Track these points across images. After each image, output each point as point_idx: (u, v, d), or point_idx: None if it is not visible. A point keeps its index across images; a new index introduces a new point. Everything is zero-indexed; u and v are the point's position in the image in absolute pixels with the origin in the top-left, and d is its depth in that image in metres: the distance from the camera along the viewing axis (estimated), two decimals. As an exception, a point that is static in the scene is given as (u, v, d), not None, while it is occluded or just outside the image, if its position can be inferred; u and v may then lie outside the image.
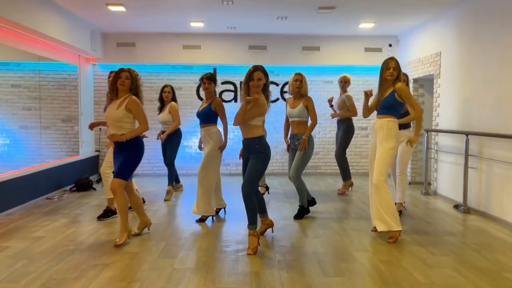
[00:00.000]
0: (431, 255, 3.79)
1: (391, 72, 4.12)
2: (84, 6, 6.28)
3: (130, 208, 4.47)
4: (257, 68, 3.84)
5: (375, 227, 4.38)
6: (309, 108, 4.96)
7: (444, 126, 6.35)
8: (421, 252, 3.86)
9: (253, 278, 3.24)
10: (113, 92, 4.05)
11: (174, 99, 6.27)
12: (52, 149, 7.54)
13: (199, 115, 4.98)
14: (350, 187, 6.71)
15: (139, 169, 8.45)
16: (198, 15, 6.80)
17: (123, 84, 3.98)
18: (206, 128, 4.89)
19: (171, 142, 6.24)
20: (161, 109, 6.32)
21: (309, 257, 3.72)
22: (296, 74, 5.03)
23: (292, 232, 4.50)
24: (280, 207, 5.65)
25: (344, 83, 6.46)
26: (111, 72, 4.91)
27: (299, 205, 5.12)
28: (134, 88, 4.04)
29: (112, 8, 6.17)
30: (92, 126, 5.12)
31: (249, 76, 3.82)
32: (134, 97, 4.00)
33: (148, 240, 4.20)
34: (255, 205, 3.87)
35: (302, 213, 5.08)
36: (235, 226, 4.70)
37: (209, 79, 4.89)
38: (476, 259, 3.68)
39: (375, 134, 4.30)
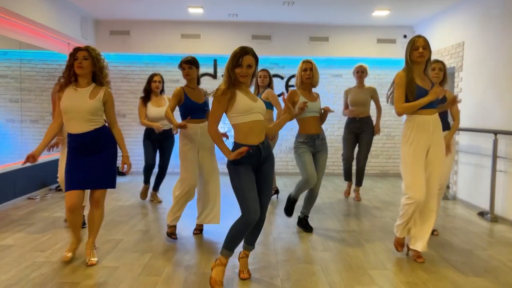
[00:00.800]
0: (462, 275, 3.20)
1: (420, 51, 3.32)
2: (71, -12, 5.72)
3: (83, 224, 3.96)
4: (246, 51, 2.87)
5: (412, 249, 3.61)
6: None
7: (467, 124, 5.74)
8: (450, 271, 3.27)
9: (251, 305, 2.67)
10: (70, 78, 3.21)
11: (163, 91, 5.55)
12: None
13: (197, 107, 4.02)
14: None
15: (133, 167, 7.92)
16: (197, 0, 6.21)
17: (81, 66, 3.15)
18: (205, 124, 3.97)
19: (172, 142, 5.61)
20: (145, 101, 5.42)
21: (318, 276, 3.14)
22: (304, 62, 4.11)
23: (297, 244, 3.92)
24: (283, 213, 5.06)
25: (362, 73, 5.67)
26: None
27: (307, 216, 4.44)
28: (99, 71, 3.25)
29: (101, -11, 5.60)
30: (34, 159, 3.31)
31: (237, 61, 2.84)
32: (108, 89, 3.30)
33: (132, 251, 3.63)
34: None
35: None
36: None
37: (190, 63, 3.99)
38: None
39: (428, 135, 3.38)
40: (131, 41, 7.58)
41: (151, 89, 5.40)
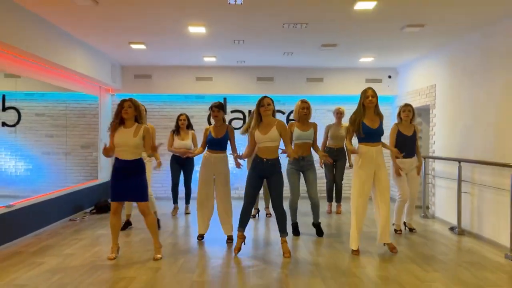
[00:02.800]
0: (423, 271, 4.20)
1: (370, 99, 4.72)
2: (108, 44, 6.91)
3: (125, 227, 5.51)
4: (266, 96, 4.69)
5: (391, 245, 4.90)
6: (315, 132, 5.55)
7: (440, 153, 6.81)
8: (415, 269, 4.27)
9: (264, 290, 3.67)
10: (117, 120, 4.47)
11: (190, 126, 6.95)
12: (72, 174, 8.04)
13: (215, 141, 5.26)
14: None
15: (153, 193, 8.97)
16: (211, 52, 7.41)
17: (127, 112, 4.40)
18: (222, 155, 5.28)
19: (192, 166, 7.24)
20: (174, 133, 6.96)
21: (312, 272, 4.15)
22: (303, 101, 5.50)
23: (297, 251, 4.92)
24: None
25: (340, 114, 7.15)
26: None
27: (318, 222, 5.72)
28: (138, 115, 4.50)
29: (134, 46, 6.79)
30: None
31: (260, 103, 4.61)
32: (146, 126, 4.50)
33: (167, 257, 4.63)
34: (285, 215, 4.70)
35: (321, 228, 5.73)
36: (249, 248, 5.12)
37: (218, 107, 5.32)
38: (465, 276, 4.09)
39: (372, 162, 4.73)
40: (152, 83, 8.76)
41: (179, 126, 6.83)
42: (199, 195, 5.33)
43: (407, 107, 5.67)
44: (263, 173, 4.65)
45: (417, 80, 7.82)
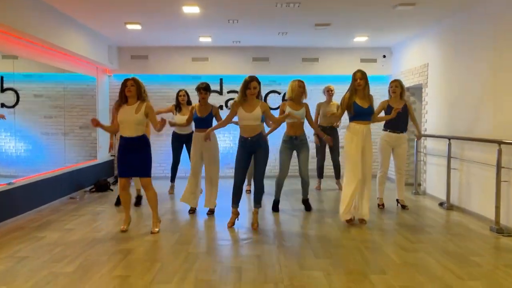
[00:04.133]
0: (409, 242, 4.38)
1: (358, 82, 5.00)
2: (104, 25, 6.97)
3: (138, 203, 5.73)
4: (252, 79, 4.78)
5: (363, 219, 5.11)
6: (307, 111, 5.66)
7: (431, 131, 6.95)
8: (401, 240, 4.46)
9: (255, 259, 3.85)
10: (122, 99, 4.65)
11: (189, 102, 6.99)
12: (71, 154, 8.17)
13: (201, 120, 5.53)
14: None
15: (152, 172, 9.13)
16: (206, 31, 7.47)
17: (130, 90, 4.58)
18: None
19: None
20: (176, 108, 7.00)
21: (303, 244, 4.33)
22: (300, 81, 5.58)
23: (288, 225, 5.11)
24: (288, 224, 6.26)
25: (331, 91, 7.33)
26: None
27: (307, 198, 5.91)
28: (141, 93, 4.65)
29: (130, 26, 6.86)
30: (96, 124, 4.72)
31: (247, 86, 4.73)
32: (148, 103, 4.66)
33: (164, 231, 4.81)
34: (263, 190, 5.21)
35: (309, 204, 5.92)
36: (238, 223, 5.30)
37: (206, 89, 5.55)
38: (447, 246, 4.28)
39: (361, 138, 4.97)
40: (149, 64, 8.84)
41: (179, 102, 6.95)
42: (191, 170, 5.65)
43: (394, 82, 5.86)
44: (250, 149, 4.85)
45: (411, 59, 7.91)
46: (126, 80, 4.66)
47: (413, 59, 7.77)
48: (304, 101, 5.72)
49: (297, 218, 5.44)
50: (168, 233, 4.75)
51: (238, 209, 5.05)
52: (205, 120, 5.54)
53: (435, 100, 6.90)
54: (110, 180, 8.17)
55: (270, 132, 5.39)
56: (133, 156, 4.63)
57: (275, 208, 5.86)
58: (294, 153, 5.75)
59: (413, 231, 4.81)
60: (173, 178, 7.49)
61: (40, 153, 7.37)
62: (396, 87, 5.82)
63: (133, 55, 8.80)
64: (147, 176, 4.73)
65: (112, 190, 7.56)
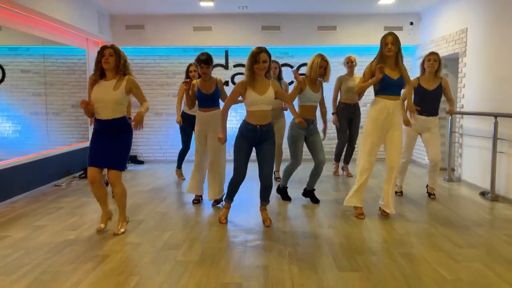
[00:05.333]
0: (457, 247, 3.46)
1: (389, 47, 4.04)
2: (88, -14, 6.04)
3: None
4: (261, 50, 3.74)
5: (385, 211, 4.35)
6: (322, 93, 4.78)
7: (470, 108, 5.94)
8: (446, 244, 3.54)
9: (261, 273, 2.98)
10: (97, 73, 3.71)
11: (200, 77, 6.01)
12: (62, 135, 7.41)
13: (206, 98, 4.62)
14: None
15: (151, 156, 8.36)
16: (208, -6, 6.49)
17: (108, 61, 3.64)
18: (214, 112, 4.66)
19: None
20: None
21: (322, 249, 3.44)
22: (323, 60, 4.52)
23: (304, 222, 4.22)
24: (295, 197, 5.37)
25: (352, 63, 6.31)
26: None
27: (313, 189, 5.00)
28: (122, 66, 3.71)
29: (117, -13, 5.90)
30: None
31: (254, 59, 3.72)
32: (130, 76, 3.74)
33: (153, 230, 3.97)
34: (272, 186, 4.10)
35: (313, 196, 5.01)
36: (245, 214, 4.44)
37: (207, 62, 4.54)
38: (508, 252, 3.34)
39: (388, 117, 4.11)
40: (145, 35, 7.89)
41: (190, 78, 5.83)
42: (196, 156, 4.80)
43: (432, 56, 4.85)
44: (256, 140, 3.91)
45: (445, 25, 6.82)
46: (103, 48, 3.71)
47: (448, 25, 6.68)
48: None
49: (310, 212, 4.55)
50: (156, 232, 3.90)
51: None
52: (211, 98, 4.65)
53: (475, 71, 5.86)
54: (77, 174, 7.04)
55: (294, 113, 4.32)
56: (108, 143, 3.72)
57: (286, 196, 5.07)
58: None
59: (457, 230, 3.88)
60: (180, 164, 6.49)
61: (30, 134, 6.62)
62: (435, 61, 4.81)
63: (127, 25, 7.85)
64: (117, 169, 3.75)
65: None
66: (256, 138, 3.87)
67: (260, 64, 3.70)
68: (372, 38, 7.79)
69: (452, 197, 5.24)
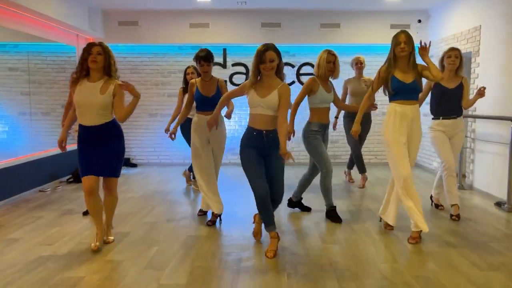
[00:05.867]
0: (476, 269, 3.08)
1: (402, 47, 3.57)
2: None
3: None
4: (268, 47, 3.23)
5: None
6: (334, 92, 4.32)
7: (483, 111, 5.55)
8: (463, 265, 3.15)
9: (256, 301, 2.60)
10: (82, 72, 3.35)
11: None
12: (51, 137, 7.05)
13: (206, 101, 4.11)
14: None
15: (144, 158, 7.98)
16: (204, -12, 6.11)
17: (95, 61, 3.28)
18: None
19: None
20: (184, 91, 5.53)
21: (325, 270, 3.06)
22: (330, 53, 4.13)
23: (305, 237, 3.84)
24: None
25: (361, 64, 5.78)
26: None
27: (332, 206, 4.35)
28: (108, 66, 3.34)
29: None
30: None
31: (260, 58, 3.22)
32: (118, 81, 3.37)
33: (139, 244, 3.60)
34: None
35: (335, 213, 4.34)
36: (240, 226, 4.05)
37: (207, 59, 4.06)
38: (535, 276, 2.96)
39: (407, 122, 3.65)
40: (139, 32, 7.50)
41: (187, 81, 5.43)
42: (197, 168, 4.20)
43: (453, 52, 4.31)
44: (265, 149, 3.32)
45: (456, 23, 6.43)
46: (90, 46, 3.33)
47: (460, 22, 6.29)
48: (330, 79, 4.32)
49: (311, 225, 4.16)
50: (142, 247, 3.52)
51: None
52: (212, 100, 4.05)
53: (490, 72, 5.47)
54: (65, 178, 6.54)
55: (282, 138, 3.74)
56: (98, 149, 3.36)
57: (303, 206, 4.67)
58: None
59: (474, 247, 3.50)
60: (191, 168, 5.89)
61: (19, 135, 6.28)
62: (456, 57, 4.28)
63: (120, 21, 7.46)
64: (114, 176, 3.49)
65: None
66: (264, 145, 3.30)
67: (267, 63, 3.20)
68: (377, 36, 7.42)
69: (465, 207, 4.84)
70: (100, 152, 3.35)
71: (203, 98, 4.13)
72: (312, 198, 5.01)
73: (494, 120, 5.26)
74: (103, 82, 3.34)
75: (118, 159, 3.47)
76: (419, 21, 7.39)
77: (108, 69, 3.36)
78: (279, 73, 3.32)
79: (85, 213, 4.48)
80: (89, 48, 3.31)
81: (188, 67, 5.60)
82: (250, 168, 3.31)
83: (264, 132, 3.29)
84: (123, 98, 3.39)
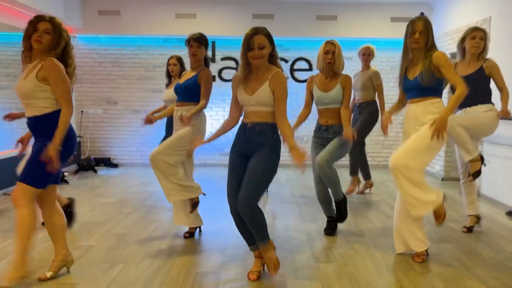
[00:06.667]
0: (495, 296, 2.60)
1: (416, 38, 3.06)
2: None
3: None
4: (257, 31, 2.67)
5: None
6: (347, 90, 3.64)
7: (493, 111, 5.09)
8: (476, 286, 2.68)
9: None
10: (27, 53, 2.69)
11: (183, 72, 5.05)
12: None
13: (178, 89, 3.65)
14: (370, 188, 5.48)
15: (126, 158, 7.47)
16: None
17: (40, 40, 2.60)
18: (186, 108, 3.54)
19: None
20: (168, 85, 5.07)
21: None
22: (327, 43, 3.63)
23: (296, 251, 3.34)
24: (283, 212, 4.49)
25: (368, 55, 5.19)
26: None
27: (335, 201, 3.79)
28: (55, 46, 2.66)
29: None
30: (10, 117, 3.37)
31: (248, 43, 2.64)
32: (51, 58, 2.66)
33: (101, 262, 3.08)
34: (262, 216, 2.73)
35: (344, 210, 3.78)
36: (222, 242, 3.56)
37: (198, 40, 3.57)
38: None
39: (410, 123, 3.18)
40: (121, 22, 6.99)
41: (169, 73, 4.99)
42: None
43: (478, 32, 3.66)
44: (246, 147, 2.77)
45: (462, 15, 5.98)
46: (38, 20, 2.64)
47: (466, 14, 5.84)
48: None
49: (302, 237, 3.67)
50: (105, 266, 3.02)
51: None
52: (184, 88, 3.58)
53: (500, 67, 4.99)
54: (70, 169, 6.36)
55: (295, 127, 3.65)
56: (33, 148, 2.75)
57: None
58: None
59: (489, 267, 3.03)
60: None
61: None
62: (482, 39, 3.64)
63: (100, 10, 6.95)
64: (21, 181, 2.62)
65: (67, 182, 5.88)
66: (246, 142, 2.75)
67: (255, 50, 2.63)
68: (377, 30, 7.01)
69: (473, 217, 4.37)
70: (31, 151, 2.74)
71: (177, 86, 3.68)
72: (307, 208, 4.53)
73: (505, 120, 4.79)
74: (33, 64, 2.66)
75: (32, 159, 2.63)
76: (422, 13, 6.89)
77: (58, 52, 2.67)
78: (274, 62, 2.76)
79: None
80: (36, 22, 2.63)
81: (171, 57, 5.02)
82: (228, 177, 2.80)
83: (249, 125, 2.74)
84: (59, 80, 2.63)
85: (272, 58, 2.75)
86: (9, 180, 5.42)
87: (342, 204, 3.76)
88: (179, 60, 5.04)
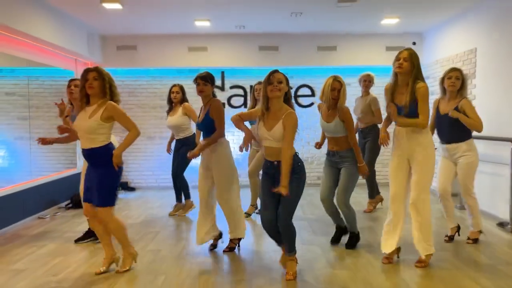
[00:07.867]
0: (489, 294, 3.08)
1: (400, 63, 3.43)
2: (77, 5, 5.70)
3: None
4: (276, 70, 3.25)
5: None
6: (347, 123, 3.93)
7: (482, 133, 5.60)
8: (475, 289, 3.15)
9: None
10: (83, 100, 3.37)
11: (184, 100, 5.57)
12: (49, 162, 6.98)
13: (200, 128, 4.08)
14: (381, 202, 5.95)
15: (142, 182, 7.92)
16: (203, 13, 6.18)
17: (92, 86, 3.30)
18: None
19: (185, 151, 5.46)
20: (169, 112, 5.60)
21: (338, 298, 3.04)
22: (334, 81, 3.85)
23: (314, 261, 3.81)
24: (297, 228, 4.95)
25: (368, 82, 5.65)
26: (70, 80, 4.34)
27: (350, 232, 4.25)
28: (109, 89, 3.35)
29: (107, 5, 5.55)
30: (44, 142, 3.85)
31: (268, 79, 3.19)
32: (111, 102, 3.34)
33: (146, 273, 3.54)
34: (294, 232, 3.42)
35: (354, 241, 4.21)
36: (255, 255, 4.02)
37: (204, 79, 3.93)
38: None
39: (401, 146, 3.62)
40: (138, 56, 7.55)
41: (171, 100, 5.53)
42: (200, 194, 4.08)
43: (454, 72, 4.10)
44: (277, 181, 3.19)
45: (451, 45, 6.57)
46: (86, 72, 3.37)
47: (455, 44, 6.43)
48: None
49: (321, 252, 4.13)
50: (149, 277, 3.47)
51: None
52: (204, 127, 3.95)
53: (486, 93, 5.57)
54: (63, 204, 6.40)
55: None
56: (93, 175, 3.39)
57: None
58: None
59: (487, 272, 3.50)
60: (177, 197, 5.73)
61: (17, 160, 6.20)
62: (457, 79, 4.06)
63: (119, 46, 7.51)
64: (100, 205, 3.37)
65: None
66: (275, 174, 3.25)
67: (274, 84, 3.14)
68: (373, 58, 7.55)
69: (467, 228, 4.85)
70: (94, 178, 3.38)
71: (197, 125, 4.22)
72: (317, 224, 4.99)
73: (493, 141, 5.33)
74: (96, 106, 3.35)
75: (101, 187, 3.34)
76: (414, 43, 7.53)
77: (104, 93, 3.36)
78: (288, 101, 3.28)
79: (77, 241, 4.42)
80: (85, 74, 3.36)
81: (174, 85, 5.60)
82: (261, 196, 3.41)
83: (275, 163, 3.26)
84: (124, 116, 3.39)
85: (286, 97, 3.27)
86: (42, 205, 5.87)
87: (355, 236, 4.21)
88: (181, 88, 5.62)
